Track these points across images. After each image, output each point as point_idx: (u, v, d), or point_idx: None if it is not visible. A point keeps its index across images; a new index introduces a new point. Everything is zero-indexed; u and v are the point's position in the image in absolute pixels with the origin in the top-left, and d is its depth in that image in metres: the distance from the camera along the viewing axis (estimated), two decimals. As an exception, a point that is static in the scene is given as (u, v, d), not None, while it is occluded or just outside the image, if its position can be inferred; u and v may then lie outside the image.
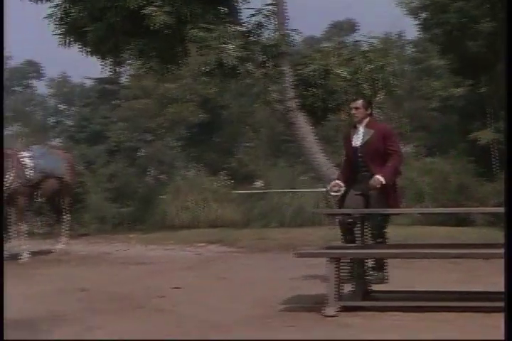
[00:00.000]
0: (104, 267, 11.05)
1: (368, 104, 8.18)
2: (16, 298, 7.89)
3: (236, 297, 7.57)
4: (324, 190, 8.72)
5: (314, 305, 6.64)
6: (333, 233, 12.70)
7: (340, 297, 6.55)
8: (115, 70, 15.00)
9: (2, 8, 7.65)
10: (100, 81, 42.83)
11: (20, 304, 7.43)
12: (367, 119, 8.02)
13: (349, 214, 7.60)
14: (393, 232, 7.84)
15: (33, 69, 65.99)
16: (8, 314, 6.68)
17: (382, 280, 7.39)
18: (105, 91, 46.04)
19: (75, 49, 14.13)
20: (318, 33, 43.82)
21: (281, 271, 9.03)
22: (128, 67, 30.22)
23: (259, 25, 13.66)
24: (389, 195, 7.77)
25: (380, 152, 7.86)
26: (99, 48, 13.96)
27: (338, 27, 45.57)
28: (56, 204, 13.71)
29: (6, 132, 47.48)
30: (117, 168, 28.61)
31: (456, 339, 5.41)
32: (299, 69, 13.47)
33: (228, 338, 5.56)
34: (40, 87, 67.04)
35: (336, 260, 6.56)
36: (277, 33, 13.38)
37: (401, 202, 8.45)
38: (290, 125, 13.84)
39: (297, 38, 14.18)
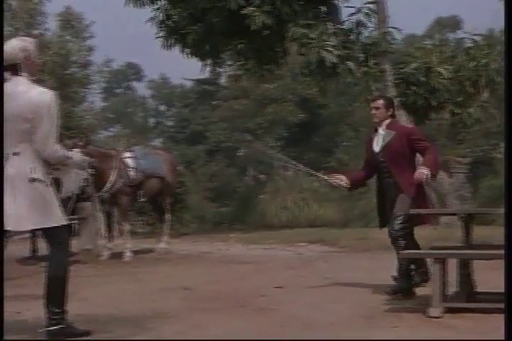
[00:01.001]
0: (205, 266, 11.14)
1: (390, 104, 7.81)
2: (119, 295, 8.04)
3: (338, 297, 7.52)
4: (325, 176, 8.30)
5: (418, 305, 6.56)
6: (436, 233, 12.54)
7: (444, 298, 6.44)
8: (214, 71, 15.14)
9: (2, 7, 7.75)
10: (199, 82, 43.29)
11: (124, 302, 7.56)
12: (388, 121, 7.68)
13: (454, 214, 7.54)
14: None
15: (133, 71, 67.20)
16: (112, 311, 6.82)
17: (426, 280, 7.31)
18: (204, 92, 46.53)
19: (175, 50, 14.35)
20: (419, 30, 43.37)
21: (383, 271, 8.91)
22: (227, 68, 30.51)
23: (359, 24, 13.58)
24: (416, 196, 7.43)
25: (402, 155, 7.52)
26: (199, 49, 14.10)
27: (442, 24, 44.88)
28: (157, 203, 13.91)
29: (107, 133, 48.58)
30: (217, 168, 28.91)
31: (458, 339, 5.33)
32: (400, 68, 13.34)
33: (332, 338, 5.52)
34: (141, 89, 68.09)
35: (441, 260, 6.45)
36: (377, 32, 13.29)
37: (431, 204, 8.19)
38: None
39: (398, 36, 14.07)
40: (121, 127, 59.91)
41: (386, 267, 9.40)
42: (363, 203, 18.35)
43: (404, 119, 13.37)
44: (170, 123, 58.11)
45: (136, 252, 12.67)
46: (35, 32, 26.72)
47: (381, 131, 7.67)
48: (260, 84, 23.44)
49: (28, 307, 6.95)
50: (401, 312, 6.49)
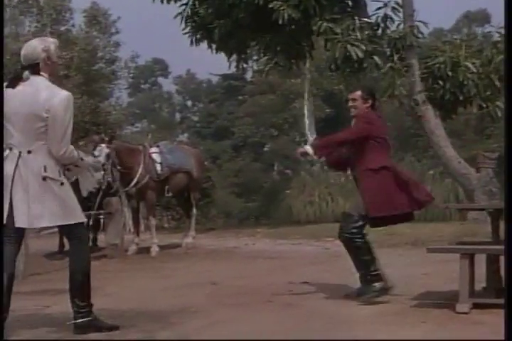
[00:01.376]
0: (232, 261, 11.15)
1: (368, 96, 7.27)
2: (146, 290, 8.07)
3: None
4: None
5: (446, 301, 6.51)
6: (464, 228, 12.48)
7: (472, 294, 6.40)
8: (241, 66, 15.13)
9: (2, 6, 7.82)
10: (226, 77, 43.34)
11: (151, 296, 7.58)
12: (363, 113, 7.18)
13: (482, 209, 7.39)
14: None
15: (159, 67, 67.38)
16: (138, 306, 6.84)
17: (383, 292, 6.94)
18: (231, 87, 46.58)
19: (201, 46, 14.35)
20: (447, 25, 43.10)
21: (411, 267, 8.90)
22: (253, 63, 30.44)
23: (386, 18, 13.51)
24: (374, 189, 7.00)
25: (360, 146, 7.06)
26: (225, 45, 14.10)
27: (470, 18, 44.58)
28: (184, 198, 13.94)
29: (133, 129, 48.77)
30: (243, 163, 28.93)
31: (457, 339, 5.28)
32: (427, 62, 13.26)
33: (360, 333, 5.50)
34: (167, 84, 68.27)
35: (469, 256, 6.40)
36: (404, 26, 13.21)
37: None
38: (418, 119, 13.65)
39: (425, 31, 13.97)
40: (148, 122, 60.15)
41: (414, 263, 9.38)
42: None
43: (431, 114, 13.30)
44: (196, 119, 58.29)
45: (162, 247, 12.71)
46: (62, 28, 26.87)
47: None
48: (286, 79, 23.42)
49: (55, 302, 6.97)
50: (429, 307, 6.45)
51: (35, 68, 5.56)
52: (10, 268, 5.48)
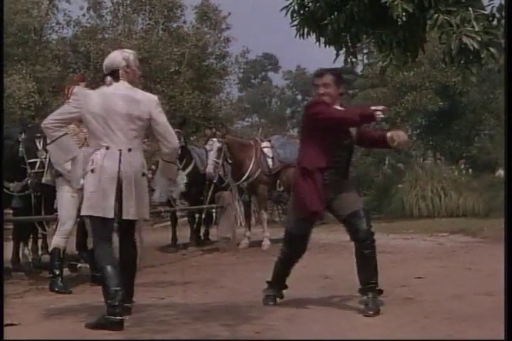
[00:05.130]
0: (345, 255, 11.02)
1: (340, 80, 6.64)
2: (260, 283, 8.08)
3: (483, 288, 7.32)
4: None
5: None
6: None
7: None
8: (351, 60, 14.97)
9: (2, 7, 7.95)
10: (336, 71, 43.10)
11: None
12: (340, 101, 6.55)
13: None
14: None
15: (269, 61, 67.67)
16: (253, 299, 6.86)
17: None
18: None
19: (311, 40, 14.25)
20: None
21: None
22: (364, 56, 30.17)
23: (502, 8, 13.17)
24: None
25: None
26: (337, 39, 13.98)
27: None
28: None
29: (244, 124, 49.08)
30: (354, 157, 28.74)
31: (456, 339, 5.12)
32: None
33: (478, 329, 5.39)
34: (277, 79, 68.49)
35: None
36: (521, 15, 12.87)
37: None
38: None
39: (543, 20, 13.57)
40: (258, 117, 60.50)
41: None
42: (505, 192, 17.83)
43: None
44: (306, 113, 58.21)
45: (274, 241, 12.73)
46: (174, 25, 27.23)
47: None
48: (399, 72, 23.15)
49: (170, 294, 7.07)
50: None
51: (115, 74, 5.97)
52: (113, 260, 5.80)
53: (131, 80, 6.02)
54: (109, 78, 5.96)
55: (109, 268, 5.64)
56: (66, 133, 5.99)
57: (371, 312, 6.07)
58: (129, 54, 6.08)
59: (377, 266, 6.43)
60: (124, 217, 5.75)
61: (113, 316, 5.49)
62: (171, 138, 5.94)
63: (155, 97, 6.03)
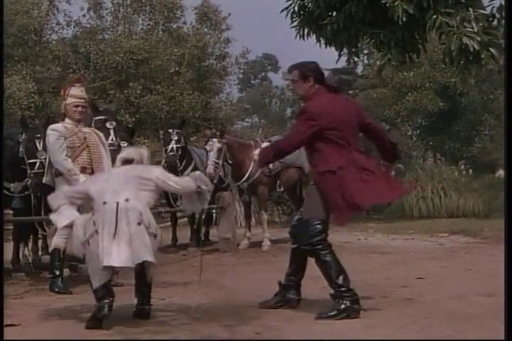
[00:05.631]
0: (345, 256, 11.00)
1: (308, 73, 6.35)
2: (260, 284, 8.08)
3: (483, 289, 7.31)
4: None
5: None
6: None
7: None
8: (351, 60, 14.97)
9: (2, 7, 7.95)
10: (335, 71, 43.13)
11: (265, 290, 7.58)
12: (311, 94, 6.29)
13: None
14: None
15: (269, 62, 67.60)
16: (254, 299, 6.85)
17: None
18: (341, 81, 46.36)
19: (311, 41, 14.24)
20: None
21: None
22: (364, 57, 30.16)
23: (502, 9, 13.15)
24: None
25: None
26: (336, 39, 13.97)
27: None
28: (295, 193, 13.91)
29: (244, 124, 49.11)
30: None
31: (455, 339, 5.11)
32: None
33: (478, 330, 5.38)
34: (277, 80, 68.44)
35: None
36: (521, 16, 12.86)
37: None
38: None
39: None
40: (258, 117, 60.46)
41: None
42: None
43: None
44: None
45: (274, 241, 12.73)
46: (174, 26, 27.25)
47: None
48: (399, 73, 23.15)
49: (170, 294, 7.07)
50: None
51: None
52: None
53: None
54: None
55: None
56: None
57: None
58: None
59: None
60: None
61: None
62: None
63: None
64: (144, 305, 6.07)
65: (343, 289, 6.06)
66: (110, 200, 5.80)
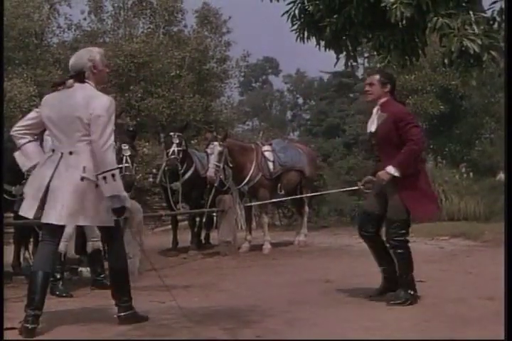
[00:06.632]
0: (346, 259, 11.07)
1: (387, 80, 6.96)
2: (260, 287, 8.09)
3: (483, 292, 7.31)
4: (357, 187, 7.73)
5: None
6: None
7: None
8: (352, 64, 14.98)
9: (2, 7, 7.96)
10: (336, 75, 43.21)
11: (265, 293, 7.59)
12: (383, 100, 6.82)
13: None
14: None
15: (270, 65, 67.72)
16: (254, 303, 6.85)
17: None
18: (342, 84, 46.41)
19: (311, 44, 14.26)
20: None
21: (530, 267, 8.62)
22: (364, 60, 30.13)
23: (502, 12, 13.17)
24: (410, 195, 6.78)
25: (390, 142, 6.63)
26: (336, 42, 13.98)
27: None
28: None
29: (245, 127, 49.22)
30: (355, 161, 28.73)
31: (455, 339, 5.13)
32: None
33: (479, 333, 5.38)
34: (278, 83, 68.54)
35: None
36: (522, 19, 12.87)
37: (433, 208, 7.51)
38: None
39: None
40: (259, 121, 60.54)
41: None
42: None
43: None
44: (307, 117, 58.31)
45: (275, 245, 12.73)
46: (174, 29, 27.29)
47: (375, 111, 6.90)
48: (400, 76, 23.16)
49: (170, 298, 7.06)
50: None
51: (81, 76, 5.83)
52: (46, 267, 5.73)
53: (98, 81, 5.98)
54: (70, 81, 5.83)
55: (40, 273, 5.67)
56: (31, 140, 5.98)
57: None
58: (96, 53, 5.93)
59: None
60: (43, 221, 5.71)
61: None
62: (97, 142, 5.61)
63: (106, 98, 5.81)
64: (123, 309, 5.90)
65: (410, 280, 6.89)
66: (56, 149, 5.77)
